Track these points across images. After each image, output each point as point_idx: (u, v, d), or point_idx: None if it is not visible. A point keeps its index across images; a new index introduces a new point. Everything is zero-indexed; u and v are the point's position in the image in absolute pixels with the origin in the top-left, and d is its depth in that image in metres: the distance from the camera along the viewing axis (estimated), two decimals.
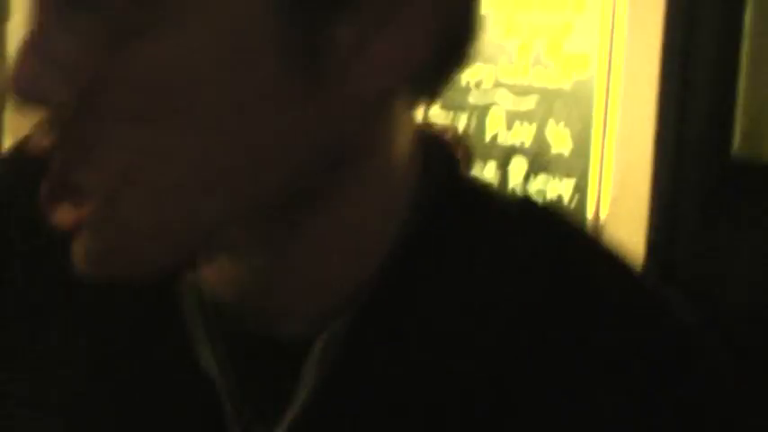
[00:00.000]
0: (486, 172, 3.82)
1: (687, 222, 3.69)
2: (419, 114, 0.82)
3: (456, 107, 3.93)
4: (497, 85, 3.78)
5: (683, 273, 3.73)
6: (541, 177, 3.65)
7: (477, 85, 3.82)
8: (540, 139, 3.64)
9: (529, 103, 3.68)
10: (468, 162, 3.30)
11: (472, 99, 3.87)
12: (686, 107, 3.63)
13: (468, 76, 3.83)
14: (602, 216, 3.51)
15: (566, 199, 3.58)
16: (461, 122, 3.92)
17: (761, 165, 3.48)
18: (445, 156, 0.88)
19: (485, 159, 3.82)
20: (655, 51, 3.61)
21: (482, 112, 3.86)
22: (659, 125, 3.62)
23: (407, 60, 0.71)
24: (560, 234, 0.87)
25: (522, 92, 3.69)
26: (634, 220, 3.70)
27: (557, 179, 3.60)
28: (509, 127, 3.76)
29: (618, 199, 3.54)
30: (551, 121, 3.61)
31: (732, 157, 3.52)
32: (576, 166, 3.54)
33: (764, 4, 3.45)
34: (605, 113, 3.47)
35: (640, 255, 3.70)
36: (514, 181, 3.73)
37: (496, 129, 3.80)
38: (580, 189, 3.54)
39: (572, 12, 3.50)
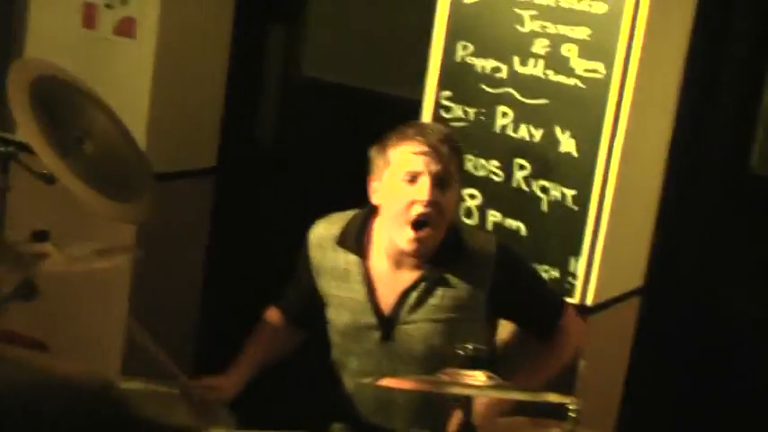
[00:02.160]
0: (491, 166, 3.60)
1: (696, 235, 3.73)
2: None
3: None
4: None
5: (687, 285, 3.77)
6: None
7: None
8: (547, 138, 3.49)
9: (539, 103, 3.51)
10: None
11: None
12: (708, 121, 3.65)
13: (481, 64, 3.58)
14: (603, 223, 3.44)
15: (568, 201, 3.47)
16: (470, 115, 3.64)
17: None
18: None
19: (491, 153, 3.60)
20: (677, 63, 3.59)
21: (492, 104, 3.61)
22: (675, 136, 3.61)
23: None
24: None
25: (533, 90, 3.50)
26: (638, 228, 3.67)
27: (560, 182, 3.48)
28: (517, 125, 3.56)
29: (625, 204, 3.49)
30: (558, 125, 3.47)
31: (750, 174, 3.60)
32: (582, 169, 3.44)
33: None
34: (616, 120, 3.38)
35: (643, 264, 3.70)
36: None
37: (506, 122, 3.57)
38: (584, 192, 3.45)
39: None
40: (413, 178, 2.85)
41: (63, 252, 2.96)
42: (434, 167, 2.85)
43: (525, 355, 3.09)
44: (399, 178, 2.87)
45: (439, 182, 2.86)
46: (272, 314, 3.21)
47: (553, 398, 2.55)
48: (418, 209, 2.84)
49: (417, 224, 2.86)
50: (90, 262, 3.15)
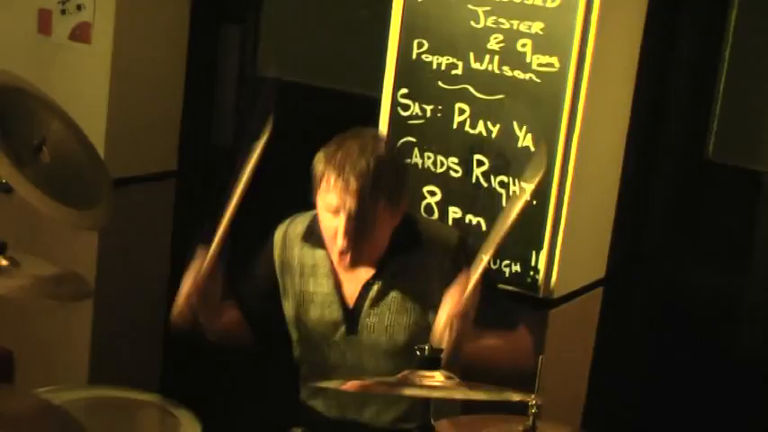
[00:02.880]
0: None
1: (655, 223, 3.75)
2: None
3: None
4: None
5: (648, 273, 3.79)
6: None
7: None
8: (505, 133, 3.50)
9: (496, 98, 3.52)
10: None
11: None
12: (663, 109, 3.67)
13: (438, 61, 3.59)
14: (563, 216, 3.45)
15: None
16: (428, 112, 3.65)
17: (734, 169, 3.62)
18: None
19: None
20: (632, 54, 3.60)
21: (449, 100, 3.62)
22: (632, 127, 3.63)
23: None
24: None
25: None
26: (599, 219, 3.68)
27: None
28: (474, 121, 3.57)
29: (584, 196, 3.50)
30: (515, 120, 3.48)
31: (706, 161, 3.63)
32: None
33: (750, 7, 3.57)
34: (572, 113, 3.39)
35: (605, 255, 3.71)
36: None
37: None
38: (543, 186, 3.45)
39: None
40: (336, 210, 2.87)
41: (21, 273, 2.89)
42: (350, 205, 2.85)
43: None
44: (323, 207, 2.90)
45: (357, 216, 2.86)
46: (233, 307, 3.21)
47: (514, 396, 2.55)
48: (338, 241, 2.87)
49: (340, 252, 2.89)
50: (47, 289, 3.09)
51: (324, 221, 2.91)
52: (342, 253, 2.89)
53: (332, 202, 2.85)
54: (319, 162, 2.92)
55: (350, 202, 2.84)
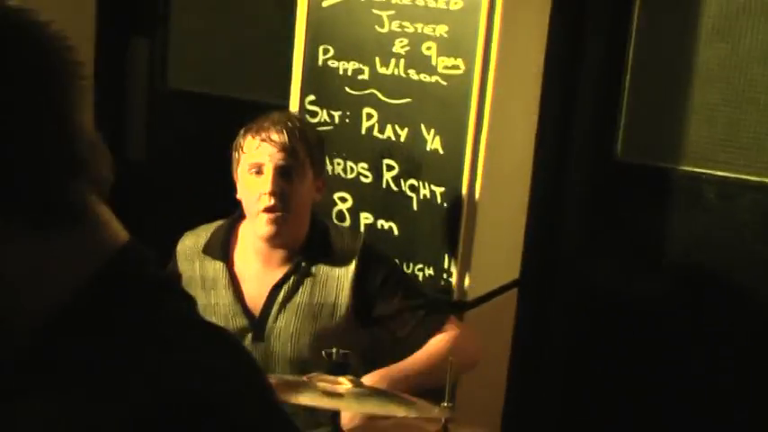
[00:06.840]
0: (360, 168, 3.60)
1: (568, 223, 3.75)
2: None
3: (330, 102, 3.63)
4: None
5: (563, 273, 3.79)
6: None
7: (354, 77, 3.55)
8: (414, 137, 3.49)
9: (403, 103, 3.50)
10: None
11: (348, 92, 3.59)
12: (571, 111, 3.68)
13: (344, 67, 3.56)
14: (475, 219, 3.45)
15: (438, 199, 3.48)
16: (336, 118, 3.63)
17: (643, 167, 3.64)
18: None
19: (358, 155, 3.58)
20: (538, 55, 3.61)
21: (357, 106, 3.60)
22: (541, 128, 3.64)
23: None
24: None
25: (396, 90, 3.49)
26: (511, 220, 3.68)
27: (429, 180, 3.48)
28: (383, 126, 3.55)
29: (495, 198, 3.50)
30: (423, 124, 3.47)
31: (615, 160, 3.65)
32: (450, 166, 3.45)
33: (651, 7, 3.60)
34: (479, 114, 3.39)
35: (519, 257, 3.71)
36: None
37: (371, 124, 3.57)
38: (453, 189, 3.45)
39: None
40: (259, 170, 2.88)
41: None
42: (278, 158, 2.87)
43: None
44: (247, 171, 2.91)
45: (283, 172, 2.88)
46: None
47: (424, 411, 2.52)
48: (264, 200, 2.87)
49: (267, 210, 2.89)
50: None
51: (247, 187, 2.91)
52: (269, 210, 2.87)
53: (258, 159, 2.87)
54: (239, 137, 2.94)
55: (277, 155, 2.86)
